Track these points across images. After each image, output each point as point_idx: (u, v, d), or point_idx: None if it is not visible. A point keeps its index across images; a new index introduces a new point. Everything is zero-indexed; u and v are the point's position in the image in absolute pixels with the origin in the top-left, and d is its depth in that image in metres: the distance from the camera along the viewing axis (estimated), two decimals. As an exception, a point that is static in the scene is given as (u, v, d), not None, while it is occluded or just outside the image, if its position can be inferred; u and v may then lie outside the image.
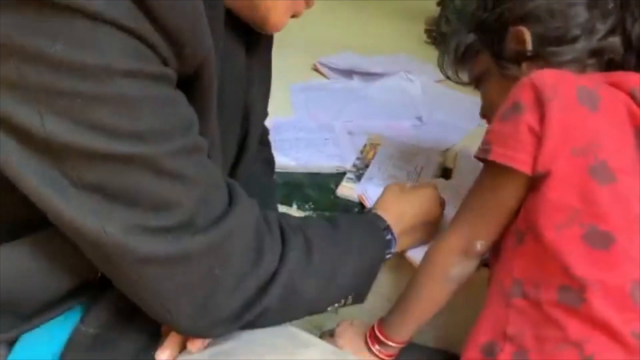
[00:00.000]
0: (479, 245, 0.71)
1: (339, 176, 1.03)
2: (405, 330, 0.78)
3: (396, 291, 0.92)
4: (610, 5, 0.73)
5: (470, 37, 0.80)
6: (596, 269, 0.63)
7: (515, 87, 0.67)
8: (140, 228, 0.48)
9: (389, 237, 0.75)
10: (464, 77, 0.86)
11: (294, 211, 0.94)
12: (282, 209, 0.93)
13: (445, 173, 1.08)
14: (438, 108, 1.33)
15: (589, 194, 0.62)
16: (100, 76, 0.43)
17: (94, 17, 0.41)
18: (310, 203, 0.95)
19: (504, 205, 0.68)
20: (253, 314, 0.57)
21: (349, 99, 1.35)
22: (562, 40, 0.72)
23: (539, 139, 0.63)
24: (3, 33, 0.41)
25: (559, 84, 0.64)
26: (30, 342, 0.57)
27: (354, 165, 1.06)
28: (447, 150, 1.15)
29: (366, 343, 0.81)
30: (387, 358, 0.80)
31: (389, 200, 0.80)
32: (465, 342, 0.74)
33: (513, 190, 0.67)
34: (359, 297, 0.72)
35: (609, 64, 0.74)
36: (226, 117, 0.68)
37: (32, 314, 0.56)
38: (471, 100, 0.98)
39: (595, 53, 0.72)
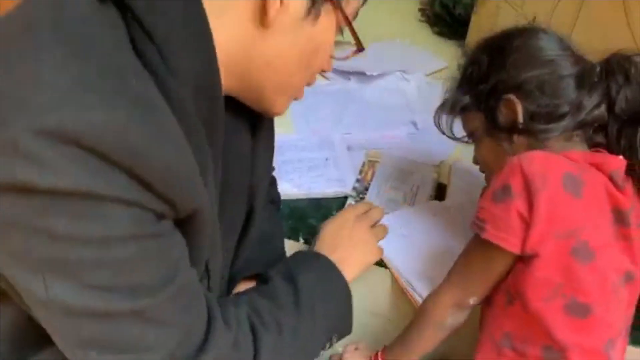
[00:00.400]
0: (472, 301, 0.80)
1: (341, 201, 1.09)
2: (406, 360, 0.88)
3: (395, 311, 1.02)
4: (596, 78, 0.77)
5: (466, 99, 0.85)
6: (575, 334, 0.72)
7: (506, 167, 0.73)
8: None
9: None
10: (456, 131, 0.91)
11: (300, 245, 1.01)
12: (289, 243, 0.99)
13: (440, 190, 1.14)
14: (432, 109, 1.37)
15: (571, 271, 0.70)
16: (102, 245, 0.47)
17: (99, 198, 0.45)
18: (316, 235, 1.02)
19: (495, 274, 0.76)
20: None
21: (347, 103, 1.39)
22: (552, 117, 0.77)
23: (527, 225, 0.70)
24: (10, 213, 0.45)
25: (547, 173, 0.70)
26: None
27: (354, 189, 1.12)
28: (441, 163, 1.20)
29: (371, 368, 0.91)
30: (390, 382, 0.90)
31: (330, 241, 0.88)
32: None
33: (503, 263, 0.74)
34: (344, 333, 0.82)
35: (594, 130, 0.79)
36: (232, 197, 0.74)
37: None
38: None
39: (582, 126, 0.78)
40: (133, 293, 0.51)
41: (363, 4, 0.70)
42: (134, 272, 0.51)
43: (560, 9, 1.26)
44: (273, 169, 1.01)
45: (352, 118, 1.34)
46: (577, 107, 0.76)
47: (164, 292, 0.53)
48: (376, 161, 1.19)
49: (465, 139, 0.91)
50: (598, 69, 0.79)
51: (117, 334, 0.52)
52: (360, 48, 0.73)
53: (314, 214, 1.07)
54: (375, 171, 1.17)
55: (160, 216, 0.51)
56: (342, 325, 0.82)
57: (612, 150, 0.79)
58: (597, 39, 1.10)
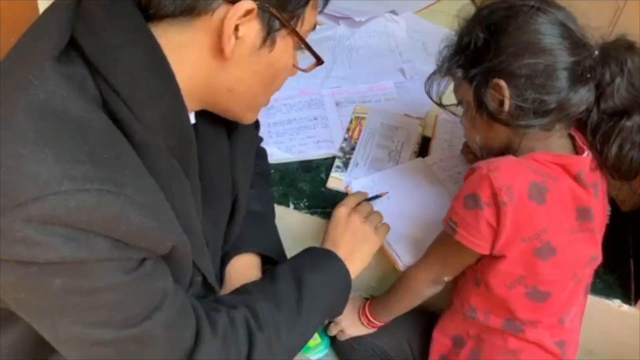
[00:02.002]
0: (446, 278, 0.89)
1: (329, 162, 1.16)
2: (387, 317, 0.99)
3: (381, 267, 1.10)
4: (589, 72, 0.77)
5: (458, 72, 0.84)
6: (534, 313, 0.82)
7: (475, 174, 0.78)
8: None
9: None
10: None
11: (291, 210, 1.09)
12: (279, 209, 1.07)
13: (424, 144, 1.19)
14: (421, 53, 1.39)
15: (533, 266, 0.79)
16: (93, 293, 0.56)
17: (85, 261, 0.54)
18: (305, 200, 1.10)
19: (466, 262, 0.85)
20: None
21: (336, 53, 1.41)
22: (536, 112, 0.77)
23: (495, 232, 0.77)
24: (13, 278, 0.54)
25: (513, 186, 0.75)
26: None
27: (341, 149, 1.18)
28: (427, 114, 1.24)
29: (359, 317, 1.02)
30: (373, 328, 1.02)
31: (331, 243, 0.92)
32: (437, 327, 0.95)
33: (473, 257, 0.83)
34: (335, 314, 0.91)
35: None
36: (215, 192, 0.81)
37: None
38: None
39: (566, 118, 0.79)
40: (126, 323, 0.60)
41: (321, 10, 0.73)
42: (124, 308, 0.59)
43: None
44: (261, 139, 1.07)
45: (342, 70, 1.36)
46: (565, 104, 0.77)
47: (153, 318, 0.62)
48: (363, 117, 1.24)
49: (453, 108, 0.92)
50: (596, 53, 0.78)
51: (118, 354, 0.62)
52: (319, 62, 0.75)
53: (303, 177, 1.14)
54: (362, 128, 1.22)
55: (140, 261, 0.60)
56: (337, 313, 0.91)
57: (589, 138, 0.82)
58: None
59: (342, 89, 1.31)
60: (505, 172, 0.76)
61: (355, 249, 0.91)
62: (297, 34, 0.67)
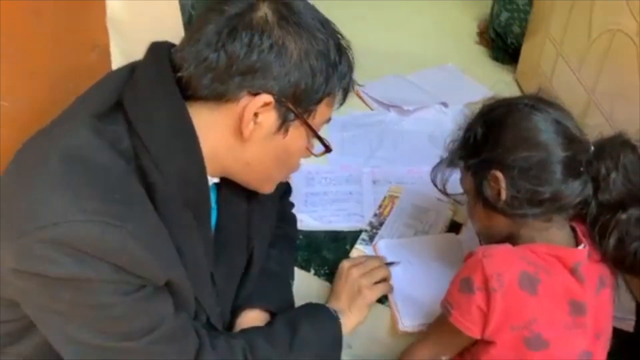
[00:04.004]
0: (444, 358, 0.90)
1: (356, 234, 1.21)
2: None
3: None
4: (583, 165, 0.81)
5: (460, 163, 0.92)
6: None
7: (471, 259, 0.82)
8: None
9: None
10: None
11: (311, 276, 1.14)
12: (300, 273, 1.13)
13: (453, 228, 1.22)
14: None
15: (523, 356, 0.79)
16: (97, 308, 0.67)
17: (90, 280, 0.64)
18: (326, 267, 1.15)
19: (461, 343, 0.87)
20: None
21: (383, 136, 1.49)
22: (530, 202, 0.81)
23: (486, 317, 0.80)
24: (29, 287, 0.66)
25: (504, 273, 0.78)
26: None
27: (370, 223, 1.23)
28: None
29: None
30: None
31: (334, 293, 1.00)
32: None
33: (466, 339, 0.85)
34: None
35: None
36: (230, 247, 0.89)
37: None
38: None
39: (563, 209, 0.82)
40: (126, 336, 0.70)
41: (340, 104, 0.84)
42: (125, 324, 0.69)
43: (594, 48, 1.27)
44: (292, 205, 1.16)
45: (385, 151, 1.44)
46: (558, 195, 0.80)
47: (149, 337, 0.71)
48: (397, 196, 1.29)
49: (458, 197, 0.99)
50: (592, 149, 0.82)
51: None
52: (328, 150, 0.85)
53: (328, 246, 1.20)
54: (394, 206, 1.27)
55: (140, 287, 0.69)
56: None
57: (589, 230, 0.84)
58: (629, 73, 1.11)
59: (382, 168, 1.38)
60: (497, 259, 0.80)
61: (352, 302, 0.97)
62: (308, 126, 0.78)
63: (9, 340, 0.79)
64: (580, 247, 0.82)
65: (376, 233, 1.21)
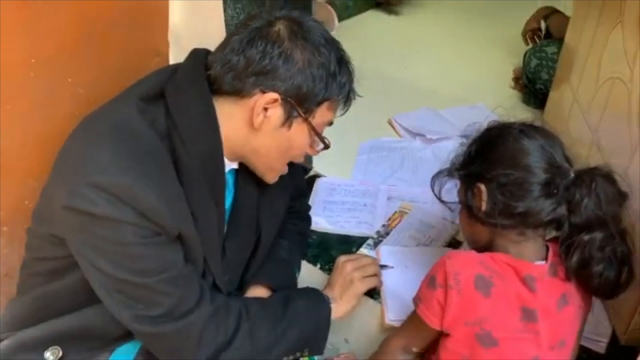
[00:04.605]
0: (414, 349, 1.02)
1: (362, 240, 1.36)
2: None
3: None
4: (561, 188, 0.89)
5: (456, 174, 1.03)
6: None
7: (439, 260, 0.94)
8: (139, 317, 0.88)
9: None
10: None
11: (316, 270, 1.29)
12: (307, 266, 1.28)
13: (454, 244, 1.34)
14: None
15: (475, 351, 0.91)
16: (119, 245, 0.83)
17: (116, 220, 0.82)
18: (331, 264, 1.29)
19: (427, 335, 0.98)
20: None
21: (405, 159, 1.63)
22: (502, 213, 0.91)
23: (443, 310, 0.91)
24: (72, 222, 0.84)
25: (461, 273, 0.89)
26: (119, 353, 1.01)
27: (377, 232, 1.37)
28: (463, 223, 1.39)
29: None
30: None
31: (334, 279, 1.13)
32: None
33: (431, 331, 0.95)
34: (316, 351, 1.06)
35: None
36: (241, 227, 1.06)
37: (119, 338, 0.99)
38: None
39: (536, 226, 0.92)
40: (140, 273, 0.86)
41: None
42: (141, 262, 0.86)
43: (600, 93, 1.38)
44: (309, 207, 1.33)
45: (404, 174, 1.58)
46: (529, 211, 0.90)
47: (158, 277, 0.87)
48: (406, 212, 1.43)
49: (452, 205, 1.09)
50: (572, 176, 0.90)
51: (132, 292, 0.87)
52: (326, 147, 1.01)
53: (336, 247, 1.35)
54: (402, 220, 1.40)
55: (156, 234, 0.85)
56: (315, 345, 1.07)
57: (559, 248, 0.92)
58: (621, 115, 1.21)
59: (398, 187, 1.52)
60: (458, 261, 0.91)
61: (343, 291, 1.11)
62: (308, 123, 0.95)
63: (53, 277, 0.97)
64: (539, 262, 0.91)
65: (381, 240, 1.35)
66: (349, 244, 1.36)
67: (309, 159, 1.60)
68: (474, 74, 2.18)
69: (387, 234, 1.37)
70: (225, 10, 1.08)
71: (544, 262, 0.93)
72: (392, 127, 1.80)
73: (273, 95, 0.90)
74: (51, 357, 0.96)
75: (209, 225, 0.96)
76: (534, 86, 1.88)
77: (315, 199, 1.47)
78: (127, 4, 1.14)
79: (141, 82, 0.95)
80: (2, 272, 1.20)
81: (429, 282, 0.94)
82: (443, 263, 0.92)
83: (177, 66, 0.97)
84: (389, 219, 1.41)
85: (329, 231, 1.39)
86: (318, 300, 1.08)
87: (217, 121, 0.92)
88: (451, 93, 2.04)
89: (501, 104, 1.92)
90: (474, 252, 0.95)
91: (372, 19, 2.71)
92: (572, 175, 0.91)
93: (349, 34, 2.51)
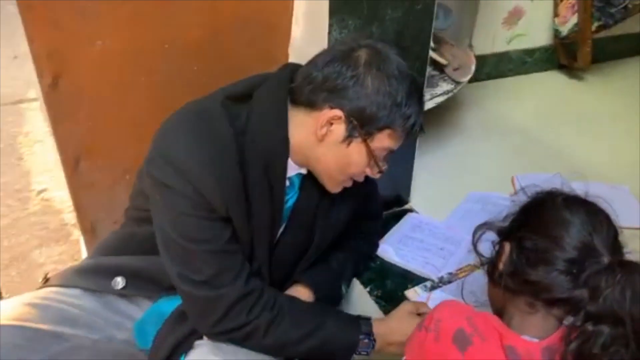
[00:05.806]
0: None
1: (421, 280, 1.36)
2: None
3: None
4: (584, 271, 0.83)
5: (494, 229, 1.00)
6: None
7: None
8: (182, 276, 1.01)
9: (365, 340, 1.11)
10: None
11: (364, 292, 1.32)
12: (358, 286, 1.32)
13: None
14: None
15: None
16: (175, 212, 0.97)
17: (176, 192, 0.96)
18: (381, 291, 1.32)
19: None
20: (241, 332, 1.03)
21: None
22: (517, 279, 0.88)
23: (421, 352, 0.91)
24: (145, 184, 1.02)
25: (444, 322, 0.88)
26: (161, 303, 1.15)
27: (440, 277, 1.35)
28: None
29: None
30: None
31: (391, 317, 1.16)
32: None
33: None
34: None
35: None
36: (295, 227, 1.14)
37: (168, 289, 1.12)
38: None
39: (548, 302, 0.86)
40: (190, 239, 0.99)
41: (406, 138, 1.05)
42: (191, 229, 0.98)
43: None
44: (377, 230, 1.38)
45: (498, 231, 1.52)
46: (541, 283, 0.85)
47: (204, 246, 0.99)
48: (479, 267, 1.38)
49: (484, 259, 1.06)
50: (605, 263, 0.83)
51: (180, 253, 1.01)
52: (380, 172, 1.07)
53: (392, 278, 1.36)
54: (467, 276, 1.36)
55: (211, 210, 0.97)
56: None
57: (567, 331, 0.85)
58: None
59: (483, 243, 1.47)
60: (446, 309, 0.90)
61: (394, 340, 1.13)
62: (366, 145, 1.02)
63: (138, 224, 1.16)
64: (532, 339, 0.85)
65: (440, 286, 1.33)
66: (407, 279, 1.36)
67: (406, 192, 1.62)
68: (627, 154, 1.98)
69: (450, 282, 1.34)
70: (330, 33, 1.18)
71: (535, 339, 0.86)
72: (512, 184, 1.73)
73: (338, 112, 0.99)
74: (121, 283, 1.13)
75: (262, 215, 1.06)
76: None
77: (397, 231, 1.50)
78: (254, 16, 1.32)
79: (236, 83, 1.10)
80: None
81: (420, 323, 0.94)
82: (435, 308, 0.92)
83: (270, 75, 1.10)
84: (459, 269, 1.38)
85: (394, 262, 1.41)
86: (353, 324, 1.13)
87: (287, 126, 1.03)
88: (600, 168, 1.88)
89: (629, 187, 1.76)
90: (468, 307, 0.92)
91: (550, 79, 2.59)
92: (606, 262, 0.83)
93: (517, 89, 2.45)
